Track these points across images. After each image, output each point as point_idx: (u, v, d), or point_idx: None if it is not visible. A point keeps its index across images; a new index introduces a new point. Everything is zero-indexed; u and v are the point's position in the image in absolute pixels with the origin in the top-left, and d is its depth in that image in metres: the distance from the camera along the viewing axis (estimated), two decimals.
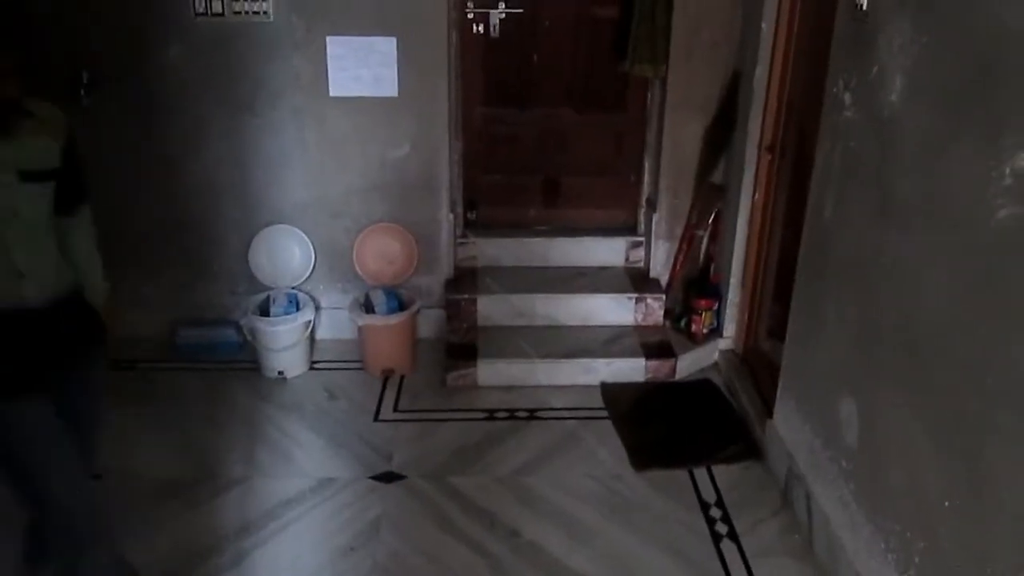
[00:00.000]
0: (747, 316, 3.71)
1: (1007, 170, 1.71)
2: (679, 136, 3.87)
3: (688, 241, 3.99)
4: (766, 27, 3.31)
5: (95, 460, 2.20)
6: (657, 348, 3.81)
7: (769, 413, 3.14)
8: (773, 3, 3.28)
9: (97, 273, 2.18)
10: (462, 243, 4.12)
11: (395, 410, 3.53)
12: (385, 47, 3.62)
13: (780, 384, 3.02)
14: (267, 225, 3.88)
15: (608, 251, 4.21)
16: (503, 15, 3.93)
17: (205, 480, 3.00)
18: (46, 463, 1.97)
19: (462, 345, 3.80)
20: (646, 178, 4.15)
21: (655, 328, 3.97)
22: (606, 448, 3.26)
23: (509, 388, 3.66)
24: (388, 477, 3.06)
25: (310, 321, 3.77)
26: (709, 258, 4.00)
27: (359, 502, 2.92)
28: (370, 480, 3.04)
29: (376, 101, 3.71)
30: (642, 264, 4.19)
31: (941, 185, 1.99)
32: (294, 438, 3.28)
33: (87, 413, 2.15)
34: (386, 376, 3.76)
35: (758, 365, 3.59)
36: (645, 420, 3.46)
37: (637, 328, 3.97)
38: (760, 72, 3.37)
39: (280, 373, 3.72)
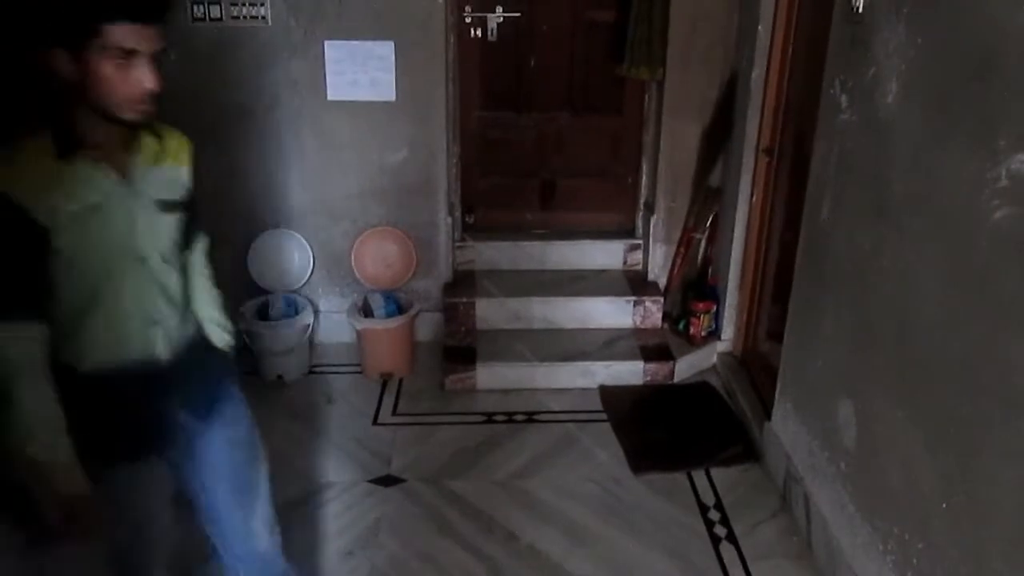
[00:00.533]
0: (745, 318, 3.72)
1: (1003, 172, 1.72)
2: (676, 139, 3.88)
3: (686, 244, 3.99)
4: (763, 29, 3.32)
5: (265, 519, 2.03)
6: (655, 351, 3.82)
7: (767, 415, 3.14)
8: (770, 6, 3.29)
9: (219, 310, 1.94)
10: (460, 246, 4.13)
11: (394, 413, 3.53)
12: (383, 51, 3.63)
13: (778, 386, 3.02)
14: (265, 229, 3.89)
15: (606, 254, 4.22)
16: (501, 19, 3.94)
17: None
18: (159, 532, 1.81)
19: (461, 348, 3.81)
20: (643, 181, 4.16)
21: (653, 331, 3.97)
22: (605, 451, 3.26)
23: (507, 391, 3.66)
24: (387, 480, 3.06)
25: (309, 325, 3.77)
26: (707, 261, 4.01)
27: (358, 506, 2.92)
28: (369, 484, 3.04)
29: (374, 105, 3.71)
30: (640, 267, 4.19)
31: (937, 187, 1.99)
32: (293, 442, 3.28)
33: (232, 468, 1.91)
34: (385, 380, 3.76)
35: (756, 367, 3.59)
36: (644, 423, 3.46)
37: (635, 331, 3.97)
38: (757, 74, 3.38)
39: (279, 377, 3.72)
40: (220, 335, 1.92)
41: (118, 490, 1.70)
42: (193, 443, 1.82)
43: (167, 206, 1.67)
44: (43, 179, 1.49)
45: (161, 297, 1.68)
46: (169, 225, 1.68)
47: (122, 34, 1.43)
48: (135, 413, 1.69)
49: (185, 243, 1.77)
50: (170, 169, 1.69)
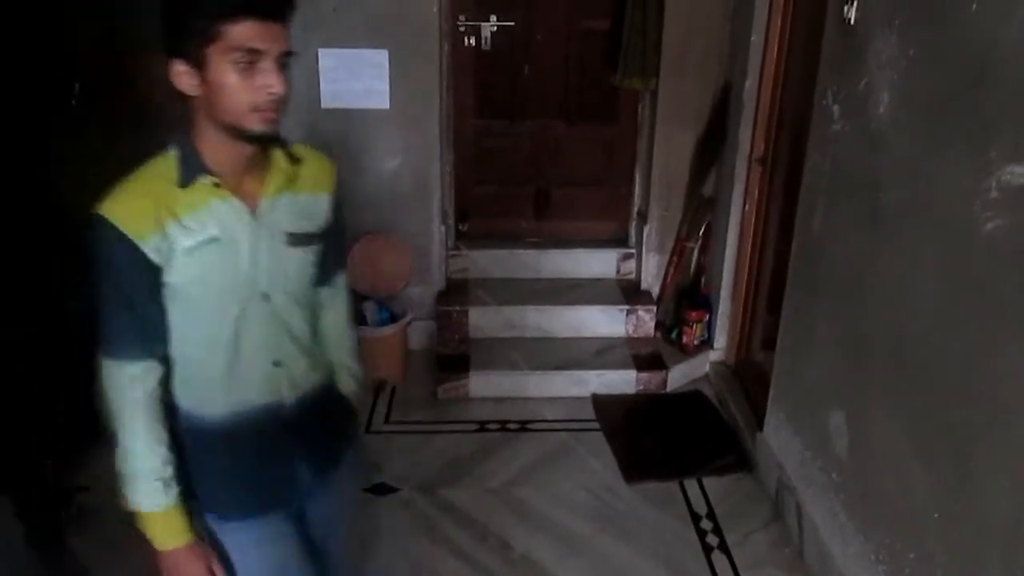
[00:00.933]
0: (738, 328, 3.72)
1: (994, 182, 1.73)
2: (670, 148, 3.89)
3: (679, 253, 4.00)
4: (756, 40, 3.34)
5: None
6: (648, 360, 3.82)
7: (760, 425, 3.14)
8: (763, 16, 3.30)
9: (352, 355, 1.74)
10: (454, 255, 4.13)
11: (386, 422, 3.52)
12: (377, 59, 3.63)
13: (771, 395, 3.03)
14: None
15: (599, 263, 4.22)
16: (495, 28, 3.95)
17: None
18: None
19: (454, 357, 3.80)
20: (637, 190, 4.17)
21: (646, 340, 3.98)
22: (598, 460, 3.26)
23: (501, 400, 3.66)
24: (380, 489, 3.05)
25: None
26: (700, 270, 4.02)
27: None
28: (361, 492, 3.03)
29: (368, 113, 3.72)
30: (633, 276, 4.20)
31: (929, 197, 2.00)
32: None
33: (331, 532, 1.75)
34: (377, 388, 3.75)
35: (749, 377, 3.59)
36: (636, 432, 3.46)
37: (628, 340, 3.97)
38: (750, 84, 3.39)
39: None
40: (349, 382, 1.73)
41: (232, 549, 1.55)
42: (307, 501, 1.66)
43: (299, 239, 1.48)
44: (158, 210, 1.34)
45: (286, 338, 1.51)
46: (300, 260, 1.50)
47: (247, 33, 1.27)
48: (254, 464, 1.55)
49: (322, 279, 1.59)
50: (306, 197, 1.49)
